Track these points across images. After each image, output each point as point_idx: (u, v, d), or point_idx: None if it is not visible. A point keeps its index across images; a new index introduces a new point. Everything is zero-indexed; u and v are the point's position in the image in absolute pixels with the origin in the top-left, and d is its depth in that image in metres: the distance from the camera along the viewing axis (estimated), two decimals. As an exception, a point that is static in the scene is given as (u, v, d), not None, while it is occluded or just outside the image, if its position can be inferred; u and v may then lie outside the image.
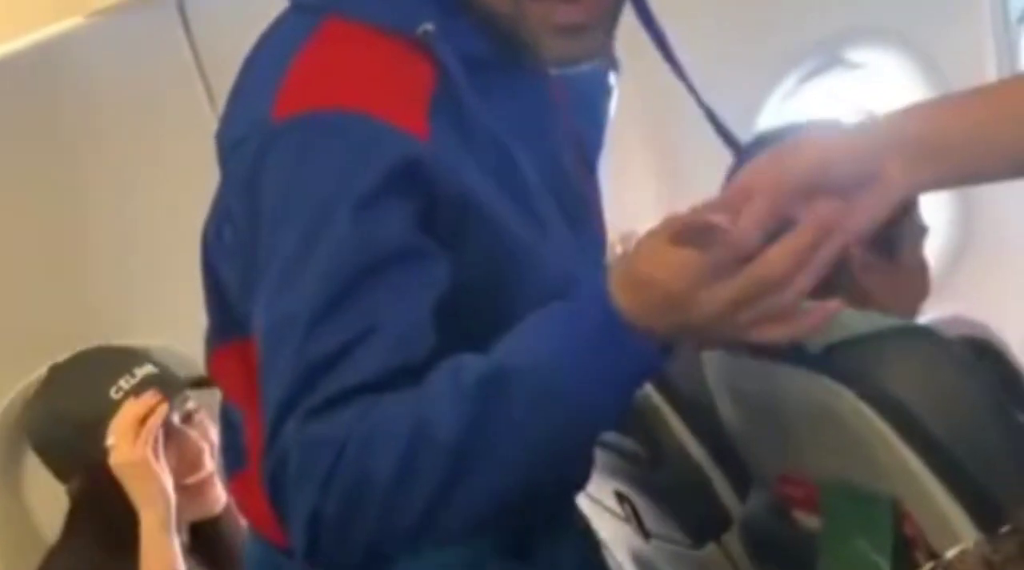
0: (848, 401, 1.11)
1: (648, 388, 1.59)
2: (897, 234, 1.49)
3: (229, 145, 1.31)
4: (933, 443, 1.07)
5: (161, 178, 2.22)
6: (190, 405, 2.04)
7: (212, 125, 1.41)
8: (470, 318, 1.37)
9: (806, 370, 1.15)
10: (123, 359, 2.05)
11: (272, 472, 1.16)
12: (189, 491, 2.00)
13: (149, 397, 1.97)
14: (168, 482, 1.96)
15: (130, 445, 1.95)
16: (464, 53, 1.28)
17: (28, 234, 2.15)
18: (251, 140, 1.26)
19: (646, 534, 1.71)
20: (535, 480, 1.13)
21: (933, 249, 2.61)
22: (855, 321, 1.16)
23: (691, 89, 1.51)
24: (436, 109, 1.27)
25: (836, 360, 1.12)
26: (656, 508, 1.65)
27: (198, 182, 2.14)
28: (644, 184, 2.51)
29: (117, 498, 1.97)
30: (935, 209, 2.73)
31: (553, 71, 1.34)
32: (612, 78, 1.52)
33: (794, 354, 1.15)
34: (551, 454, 1.12)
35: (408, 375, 1.18)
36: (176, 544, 1.96)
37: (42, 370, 2.10)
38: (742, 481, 1.50)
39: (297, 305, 1.21)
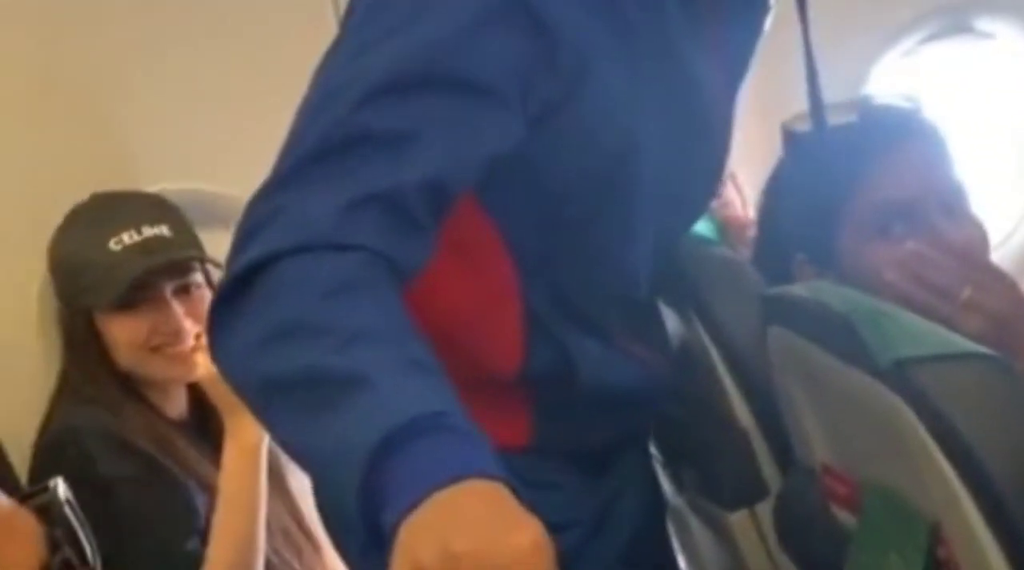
0: (907, 420, 1.08)
1: (708, 344, 1.57)
2: None
3: None
4: (984, 479, 1.04)
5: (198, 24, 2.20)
6: (194, 278, 2.02)
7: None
8: (569, 196, 1.35)
9: (872, 378, 1.12)
10: (138, 212, 2.03)
11: (262, 209, 1.13)
12: (164, 357, 2.00)
13: None
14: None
15: None
16: None
17: (61, 82, 2.13)
18: None
19: (680, 484, 1.70)
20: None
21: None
22: (927, 338, 1.13)
23: (806, 39, 1.47)
24: None
25: (903, 376, 1.09)
26: (693, 463, 1.64)
27: (241, 26, 2.15)
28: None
29: (91, 352, 1.99)
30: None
31: None
32: None
33: (864, 361, 1.13)
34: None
35: (432, 199, 1.15)
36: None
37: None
38: (784, 457, 1.49)
39: (365, 74, 1.16)
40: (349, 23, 1.26)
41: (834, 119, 1.51)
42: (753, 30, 1.49)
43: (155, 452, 1.94)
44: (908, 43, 2.63)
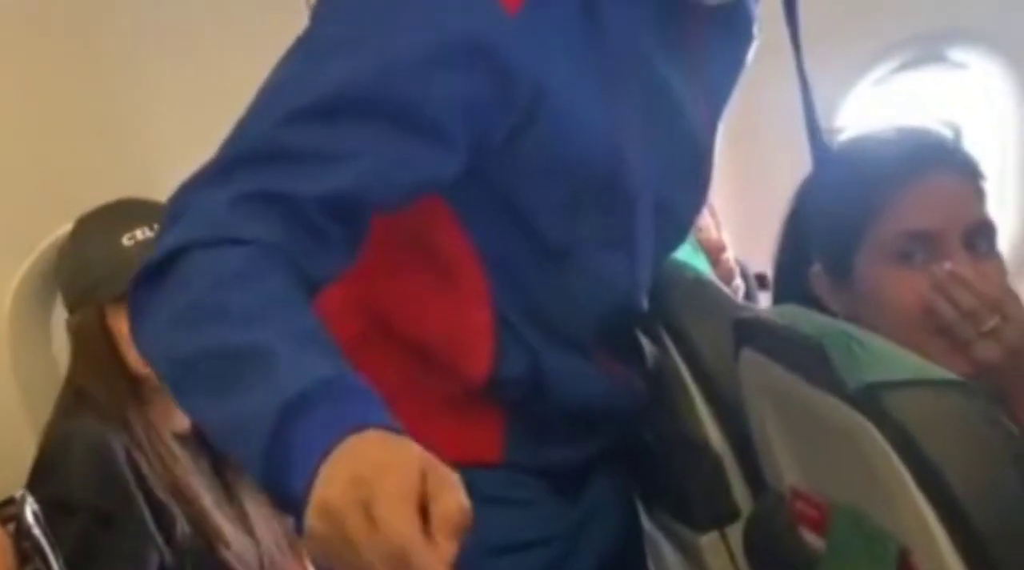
0: (877, 444, 1.09)
1: (680, 366, 1.58)
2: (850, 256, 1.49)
3: None
4: (953, 503, 1.06)
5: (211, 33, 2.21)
6: None
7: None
8: (550, 219, 1.36)
9: (841, 402, 1.13)
10: (149, 212, 2.03)
11: (180, 203, 1.21)
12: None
13: None
14: None
15: None
16: None
17: (70, 88, 2.14)
18: None
19: (651, 506, 1.71)
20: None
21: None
22: (900, 363, 1.14)
23: (801, 70, 1.48)
24: None
25: (873, 399, 1.10)
26: (665, 484, 1.65)
27: (250, 37, 2.15)
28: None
29: (100, 350, 1.98)
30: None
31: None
32: (756, 28, 1.49)
33: (834, 384, 1.14)
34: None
35: (334, 210, 1.19)
36: None
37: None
38: (756, 479, 1.50)
39: (305, 87, 1.20)
40: (315, 17, 1.28)
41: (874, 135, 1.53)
42: (736, 60, 1.50)
43: (144, 471, 1.93)
44: (881, 72, 2.65)
